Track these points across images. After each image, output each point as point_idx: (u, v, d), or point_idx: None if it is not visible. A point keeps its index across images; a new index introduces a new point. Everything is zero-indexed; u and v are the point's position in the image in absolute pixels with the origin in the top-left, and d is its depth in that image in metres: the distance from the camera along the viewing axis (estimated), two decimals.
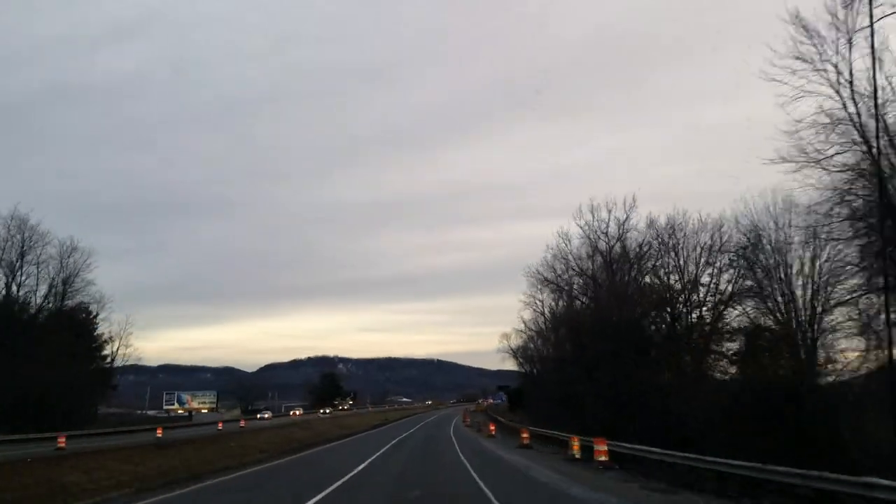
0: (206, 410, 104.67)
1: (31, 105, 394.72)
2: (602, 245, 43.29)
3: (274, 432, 47.15)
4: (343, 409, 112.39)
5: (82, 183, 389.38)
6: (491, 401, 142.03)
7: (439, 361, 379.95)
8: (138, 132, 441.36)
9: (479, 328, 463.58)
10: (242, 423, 56.86)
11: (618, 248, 43.09)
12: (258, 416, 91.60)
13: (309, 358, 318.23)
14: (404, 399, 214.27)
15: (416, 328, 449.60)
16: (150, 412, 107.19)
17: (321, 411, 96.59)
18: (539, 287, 67.42)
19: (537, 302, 78.37)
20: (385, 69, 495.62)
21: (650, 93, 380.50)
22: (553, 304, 64.35)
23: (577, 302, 50.17)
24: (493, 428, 46.64)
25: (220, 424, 51.78)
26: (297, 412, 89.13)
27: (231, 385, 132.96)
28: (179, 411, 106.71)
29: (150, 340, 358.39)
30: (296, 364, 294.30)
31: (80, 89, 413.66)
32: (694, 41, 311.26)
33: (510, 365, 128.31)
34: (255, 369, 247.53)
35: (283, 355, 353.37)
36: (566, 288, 49.43)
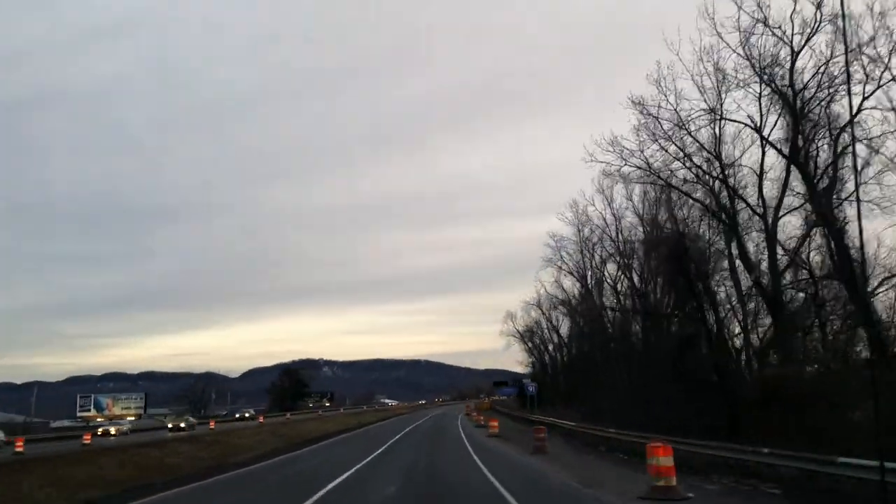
0: (132, 417, 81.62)
1: (11, 110, 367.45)
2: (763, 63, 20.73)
3: (116, 455, 24.26)
4: (305, 412, 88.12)
5: (63, 188, 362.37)
6: (495, 396, 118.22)
7: (426, 362, 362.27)
8: (121, 136, 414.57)
9: (466, 328, 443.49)
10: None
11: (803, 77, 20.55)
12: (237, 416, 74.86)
13: (293, 361, 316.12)
14: (386, 400, 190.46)
15: (402, 329, 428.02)
16: (66, 422, 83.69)
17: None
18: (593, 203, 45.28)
19: (565, 258, 55.73)
20: (371, 69, 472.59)
21: (639, 87, 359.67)
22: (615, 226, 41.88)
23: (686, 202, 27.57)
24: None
25: (20, 444, 28.78)
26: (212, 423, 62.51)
27: (208, 390, 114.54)
28: (99, 419, 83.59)
29: (133, 348, 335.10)
30: (279, 368, 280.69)
31: (62, 94, 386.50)
32: (680, 34, 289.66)
33: (515, 351, 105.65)
34: (238, 374, 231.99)
35: (268, 360, 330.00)
36: (658, 178, 26.69)
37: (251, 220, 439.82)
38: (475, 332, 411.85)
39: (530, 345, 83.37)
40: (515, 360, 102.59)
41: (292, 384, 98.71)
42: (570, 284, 59.47)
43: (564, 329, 71.80)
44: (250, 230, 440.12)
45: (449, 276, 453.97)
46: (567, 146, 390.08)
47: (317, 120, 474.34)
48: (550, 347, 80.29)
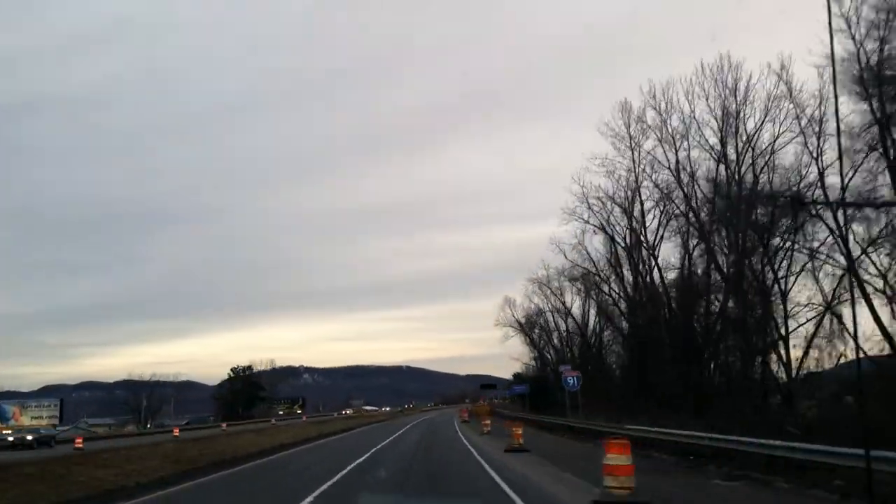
0: (46, 426, 65.85)
1: (1, 116, 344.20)
2: None
3: None
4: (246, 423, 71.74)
5: (50, 194, 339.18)
6: (489, 400, 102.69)
7: (409, 368, 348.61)
8: (109, 142, 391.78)
9: (450, 334, 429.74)
10: None
11: None
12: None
13: (273, 369, 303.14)
14: (369, 406, 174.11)
15: (384, 336, 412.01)
16: None
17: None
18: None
19: (594, 206, 40.78)
20: (360, 73, 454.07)
21: (628, 93, 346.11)
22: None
23: None
24: None
25: None
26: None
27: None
28: (5, 431, 68.00)
29: (114, 356, 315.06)
30: (259, 375, 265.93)
31: (51, 100, 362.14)
32: (672, 41, 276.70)
33: (512, 346, 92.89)
34: (216, 382, 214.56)
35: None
36: None
37: (239, 226, 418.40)
38: (458, 338, 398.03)
39: (532, 336, 69.08)
40: (510, 357, 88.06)
41: (245, 389, 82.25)
42: (598, 248, 45.09)
43: (577, 311, 57.75)
44: (238, 236, 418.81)
45: (433, 283, 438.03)
46: (558, 153, 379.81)
47: (307, 125, 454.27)
48: (555, 338, 65.98)
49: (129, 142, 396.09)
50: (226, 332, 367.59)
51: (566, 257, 47.07)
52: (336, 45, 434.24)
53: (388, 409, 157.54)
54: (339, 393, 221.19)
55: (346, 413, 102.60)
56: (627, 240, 40.45)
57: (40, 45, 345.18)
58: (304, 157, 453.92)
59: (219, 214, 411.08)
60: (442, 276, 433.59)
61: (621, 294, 43.54)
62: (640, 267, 40.10)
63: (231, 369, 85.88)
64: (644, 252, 39.69)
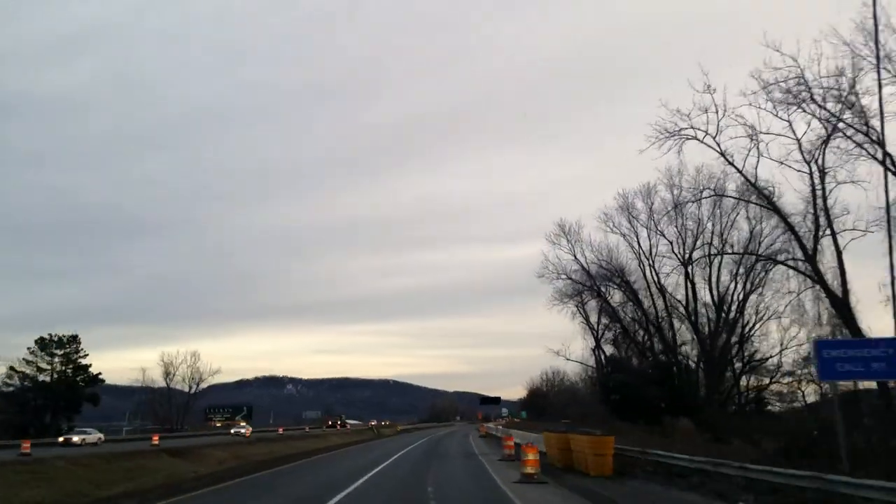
0: None
1: None
2: None
3: None
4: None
5: (22, 201, 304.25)
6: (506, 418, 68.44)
7: (395, 383, 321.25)
8: (82, 150, 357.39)
9: (436, 350, 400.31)
10: None
11: None
12: None
13: (256, 378, 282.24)
14: (353, 421, 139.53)
15: (371, 350, 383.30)
16: None
17: None
18: None
19: None
20: (337, 90, 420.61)
21: (601, 121, 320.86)
22: None
23: None
24: None
25: None
26: None
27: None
28: None
29: (91, 361, 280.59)
30: (241, 385, 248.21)
31: (22, 105, 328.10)
32: (646, 71, 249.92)
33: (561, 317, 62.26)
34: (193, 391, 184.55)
35: (230, 376, 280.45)
36: None
37: (218, 237, 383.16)
38: (446, 354, 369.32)
39: (603, 306, 36.26)
40: (546, 347, 54.29)
41: (61, 380, 43.90)
42: None
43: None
44: (218, 247, 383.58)
45: (420, 299, 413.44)
46: (541, 173, 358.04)
47: (283, 140, 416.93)
48: (651, 303, 32.97)
49: (106, 148, 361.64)
50: (206, 339, 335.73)
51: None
52: (311, 62, 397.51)
53: (410, 422, 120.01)
54: (321, 405, 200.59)
55: (296, 430, 67.42)
56: None
57: (12, 50, 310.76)
58: (290, 171, 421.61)
59: (200, 224, 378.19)
60: (431, 293, 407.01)
61: None
62: None
63: (36, 341, 47.48)
64: None
